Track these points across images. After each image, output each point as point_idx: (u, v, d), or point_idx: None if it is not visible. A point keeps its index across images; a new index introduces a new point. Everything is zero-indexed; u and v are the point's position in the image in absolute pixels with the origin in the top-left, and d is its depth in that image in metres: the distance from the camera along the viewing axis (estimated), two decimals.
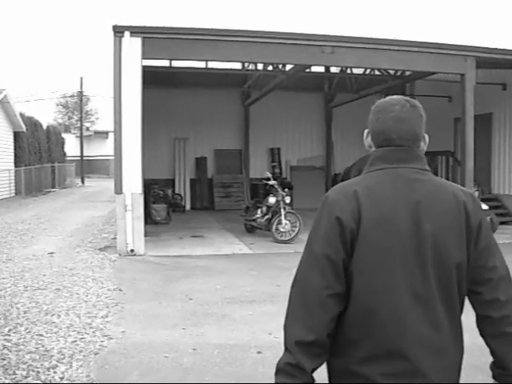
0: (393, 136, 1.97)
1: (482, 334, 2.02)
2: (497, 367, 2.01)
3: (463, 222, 1.91)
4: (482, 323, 2.00)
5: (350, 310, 1.89)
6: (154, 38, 10.72)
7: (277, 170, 20.82)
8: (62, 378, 4.59)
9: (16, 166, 26.21)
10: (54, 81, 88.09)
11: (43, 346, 5.36)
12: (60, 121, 65.56)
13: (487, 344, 2.01)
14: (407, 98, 2.05)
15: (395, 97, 2.05)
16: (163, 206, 15.79)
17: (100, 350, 5.32)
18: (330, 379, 2.01)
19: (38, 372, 4.71)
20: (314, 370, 1.88)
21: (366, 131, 2.11)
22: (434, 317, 1.88)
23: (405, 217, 1.87)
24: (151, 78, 14.78)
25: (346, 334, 1.91)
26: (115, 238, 11.42)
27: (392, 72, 16.29)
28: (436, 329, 1.88)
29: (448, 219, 1.90)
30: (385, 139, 1.99)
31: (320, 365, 1.92)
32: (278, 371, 1.88)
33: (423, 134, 2.04)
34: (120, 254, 10.51)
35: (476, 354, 5.29)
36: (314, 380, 1.88)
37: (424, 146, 2.06)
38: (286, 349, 1.90)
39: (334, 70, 18.90)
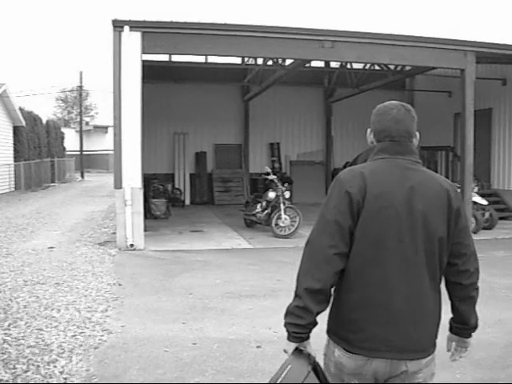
0: (392, 134, 2.44)
1: (451, 298, 2.51)
2: (457, 323, 2.56)
3: (446, 205, 2.38)
4: (453, 289, 2.49)
5: (350, 264, 2.33)
6: (153, 32, 10.70)
7: (276, 165, 20.84)
8: (61, 372, 4.60)
9: (15, 161, 26.20)
10: (53, 75, 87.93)
11: (43, 341, 5.37)
12: (59, 115, 65.49)
13: (454, 305, 2.52)
14: (402, 103, 2.51)
15: (393, 102, 2.52)
16: (163, 201, 15.79)
17: (100, 345, 5.33)
18: (328, 326, 2.46)
19: (38, 366, 4.72)
20: (317, 313, 2.30)
21: (368, 130, 2.56)
22: (419, 280, 2.33)
23: (401, 196, 2.33)
24: (151, 73, 14.77)
25: (343, 284, 2.36)
26: (115, 233, 11.43)
27: (392, 67, 16.27)
28: (419, 289, 2.33)
29: (435, 202, 2.36)
30: (385, 136, 2.45)
31: (322, 310, 2.33)
32: (288, 313, 2.34)
33: (415, 132, 2.51)
34: (120, 249, 10.52)
35: (474, 349, 5.31)
36: (316, 322, 2.33)
37: (416, 142, 2.52)
38: (296, 295, 2.31)
39: (333, 64, 18.91)
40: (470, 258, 2.45)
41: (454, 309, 2.54)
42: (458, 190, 2.50)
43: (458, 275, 2.45)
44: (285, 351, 2.37)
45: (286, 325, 2.35)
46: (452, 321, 2.59)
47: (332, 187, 2.40)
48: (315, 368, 2.34)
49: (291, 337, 2.34)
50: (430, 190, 2.37)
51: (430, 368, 2.42)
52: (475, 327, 2.56)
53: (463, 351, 2.64)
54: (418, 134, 2.53)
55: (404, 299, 2.30)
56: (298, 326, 2.30)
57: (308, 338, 2.35)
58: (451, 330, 2.61)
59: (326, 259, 2.28)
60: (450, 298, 2.52)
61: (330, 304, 2.41)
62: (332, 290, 2.37)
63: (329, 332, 2.45)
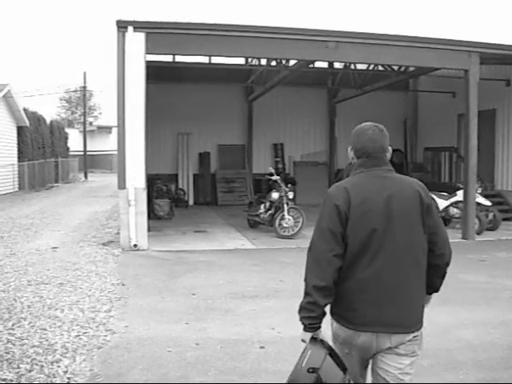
0: (369, 150, 2.98)
1: (430, 275, 2.98)
2: (427, 287, 3.02)
3: (419, 203, 2.88)
4: (432, 269, 2.98)
5: (346, 259, 2.83)
6: (157, 33, 10.71)
7: (280, 166, 20.84)
8: (65, 372, 4.61)
9: (19, 161, 26.25)
10: (57, 76, 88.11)
11: (47, 340, 5.39)
12: (63, 116, 65.61)
13: (430, 279, 3.00)
14: (376, 124, 3.06)
15: (368, 123, 3.07)
16: (166, 201, 15.80)
17: (103, 345, 5.34)
18: (330, 307, 2.93)
19: (42, 366, 4.74)
20: (325, 305, 2.81)
21: (349, 148, 3.12)
22: (402, 268, 2.83)
23: (380, 201, 2.85)
24: (154, 73, 14.79)
25: (341, 274, 2.84)
26: (118, 233, 11.45)
27: (396, 67, 16.26)
28: (400, 277, 2.83)
29: (409, 202, 2.88)
30: (363, 153, 3.00)
31: (329, 302, 2.84)
32: (301, 309, 2.82)
33: (388, 147, 3.03)
34: (123, 249, 10.53)
35: (477, 350, 5.32)
36: (325, 313, 2.84)
37: (389, 155, 3.05)
38: (306, 293, 2.80)
39: (337, 65, 18.90)
40: (444, 244, 2.98)
41: (428, 279, 3.00)
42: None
43: (435, 259, 2.96)
44: (303, 341, 2.86)
45: (301, 319, 2.83)
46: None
47: (324, 201, 2.94)
48: (330, 351, 2.84)
49: (307, 328, 2.83)
50: (404, 193, 2.90)
51: (412, 347, 2.88)
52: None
53: (426, 302, 3.12)
54: (390, 148, 3.06)
55: (388, 284, 2.82)
56: (311, 318, 2.80)
57: (320, 327, 2.84)
58: None
59: (327, 261, 2.79)
60: (429, 276, 3.00)
61: None
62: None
63: (331, 312, 2.97)
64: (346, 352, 2.92)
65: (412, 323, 2.86)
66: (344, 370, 2.83)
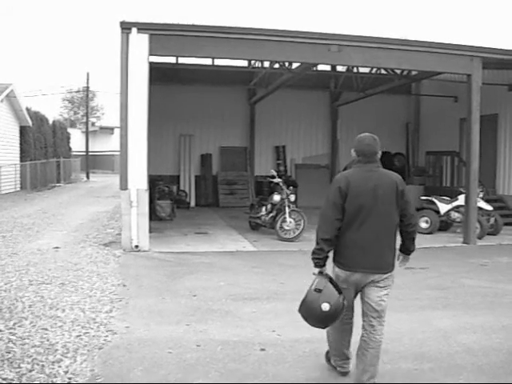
0: (366, 153, 4.37)
1: (401, 237, 4.52)
2: (403, 247, 4.63)
3: (394, 190, 4.29)
4: (402, 233, 4.50)
5: (343, 223, 4.26)
6: (161, 34, 10.74)
7: (282, 168, 20.85)
8: (66, 372, 4.62)
9: (22, 161, 26.30)
10: (60, 76, 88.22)
11: (48, 340, 5.39)
12: (66, 116, 65.67)
13: (403, 241, 4.56)
14: (372, 134, 4.46)
15: (366, 134, 4.48)
16: (168, 203, 15.81)
17: (104, 345, 5.35)
18: (333, 256, 4.42)
19: (43, 366, 4.74)
20: (328, 251, 4.27)
21: (352, 150, 4.45)
22: (380, 231, 4.26)
23: (369, 187, 4.25)
24: (157, 75, 14.81)
25: (340, 234, 4.30)
26: (120, 234, 11.46)
27: (398, 71, 16.27)
28: (377, 238, 4.26)
29: (388, 188, 4.29)
30: (361, 154, 4.38)
31: (330, 249, 4.32)
32: (313, 252, 4.31)
33: (378, 150, 4.42)
34: (124, 250, 10.54)
35: (478, 354, 5.32)
36: (328, 257, 4.31)
37: (379, 156, 4.42)
38: (317, 242, 4.29)
39: (340, 68, 18.91)
40: (410, 217, 4.41)
41: (402, 242, 4.57)
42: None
43: (404, 227, 4.44)
44: (313, 274, 4.34)
45: (312, 259, 4.30)
46: (400, 247, 4.61)
47: (332, 184, 4.39)
48: (331, 280, 4.34)
49: (316, 265, 4.31)
50: (385, 182, 4.30)
51: (388, 281, 4.35)
52: (413, 251, 4.63)
53: (405, 262, 4.72)
54: (380, 151, 4.42)
55: (370, 241, 4.24)
56: (318, 259, 4.28)
57: (324, 265, 4.32)
58: (400, 250, 4.63)
59: (331, 222, 4.25)
60: (401, 237, 4.51)
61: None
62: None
63: (333, 259, 4.42)
64: (344, 287, 4.33)
65: (385, 266, 4.29)
66: (339, 292, 4.28)
